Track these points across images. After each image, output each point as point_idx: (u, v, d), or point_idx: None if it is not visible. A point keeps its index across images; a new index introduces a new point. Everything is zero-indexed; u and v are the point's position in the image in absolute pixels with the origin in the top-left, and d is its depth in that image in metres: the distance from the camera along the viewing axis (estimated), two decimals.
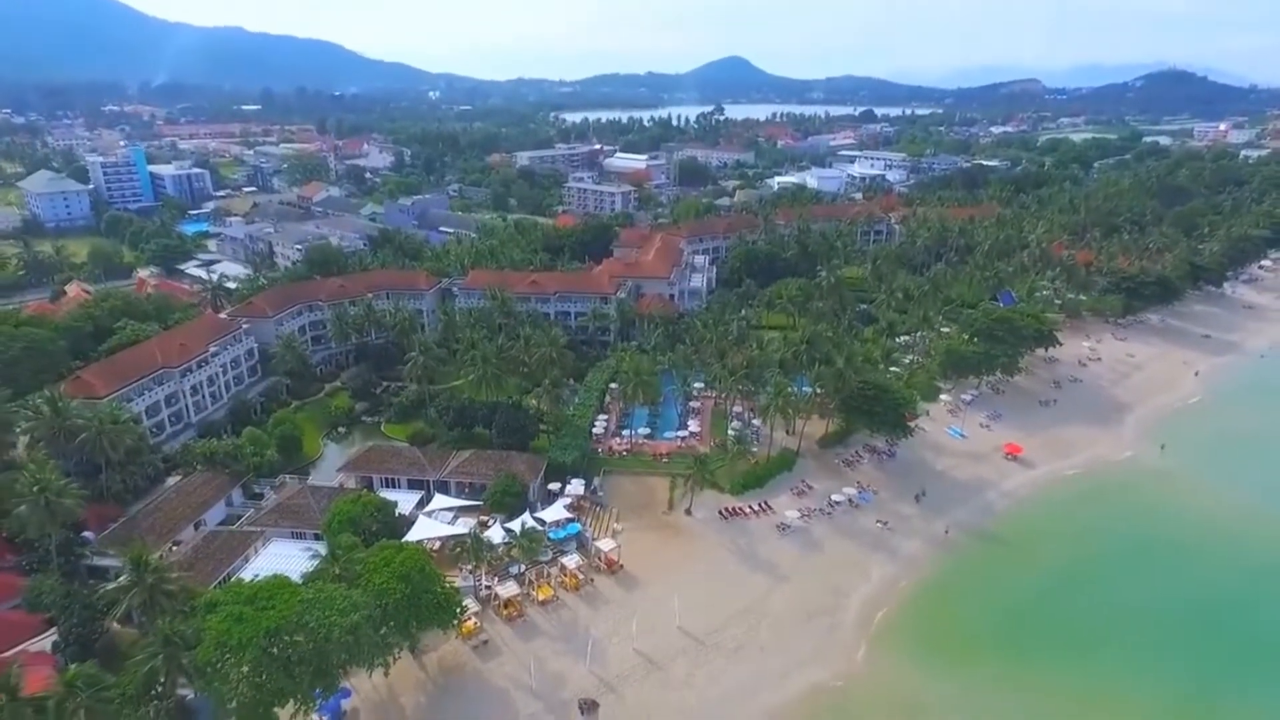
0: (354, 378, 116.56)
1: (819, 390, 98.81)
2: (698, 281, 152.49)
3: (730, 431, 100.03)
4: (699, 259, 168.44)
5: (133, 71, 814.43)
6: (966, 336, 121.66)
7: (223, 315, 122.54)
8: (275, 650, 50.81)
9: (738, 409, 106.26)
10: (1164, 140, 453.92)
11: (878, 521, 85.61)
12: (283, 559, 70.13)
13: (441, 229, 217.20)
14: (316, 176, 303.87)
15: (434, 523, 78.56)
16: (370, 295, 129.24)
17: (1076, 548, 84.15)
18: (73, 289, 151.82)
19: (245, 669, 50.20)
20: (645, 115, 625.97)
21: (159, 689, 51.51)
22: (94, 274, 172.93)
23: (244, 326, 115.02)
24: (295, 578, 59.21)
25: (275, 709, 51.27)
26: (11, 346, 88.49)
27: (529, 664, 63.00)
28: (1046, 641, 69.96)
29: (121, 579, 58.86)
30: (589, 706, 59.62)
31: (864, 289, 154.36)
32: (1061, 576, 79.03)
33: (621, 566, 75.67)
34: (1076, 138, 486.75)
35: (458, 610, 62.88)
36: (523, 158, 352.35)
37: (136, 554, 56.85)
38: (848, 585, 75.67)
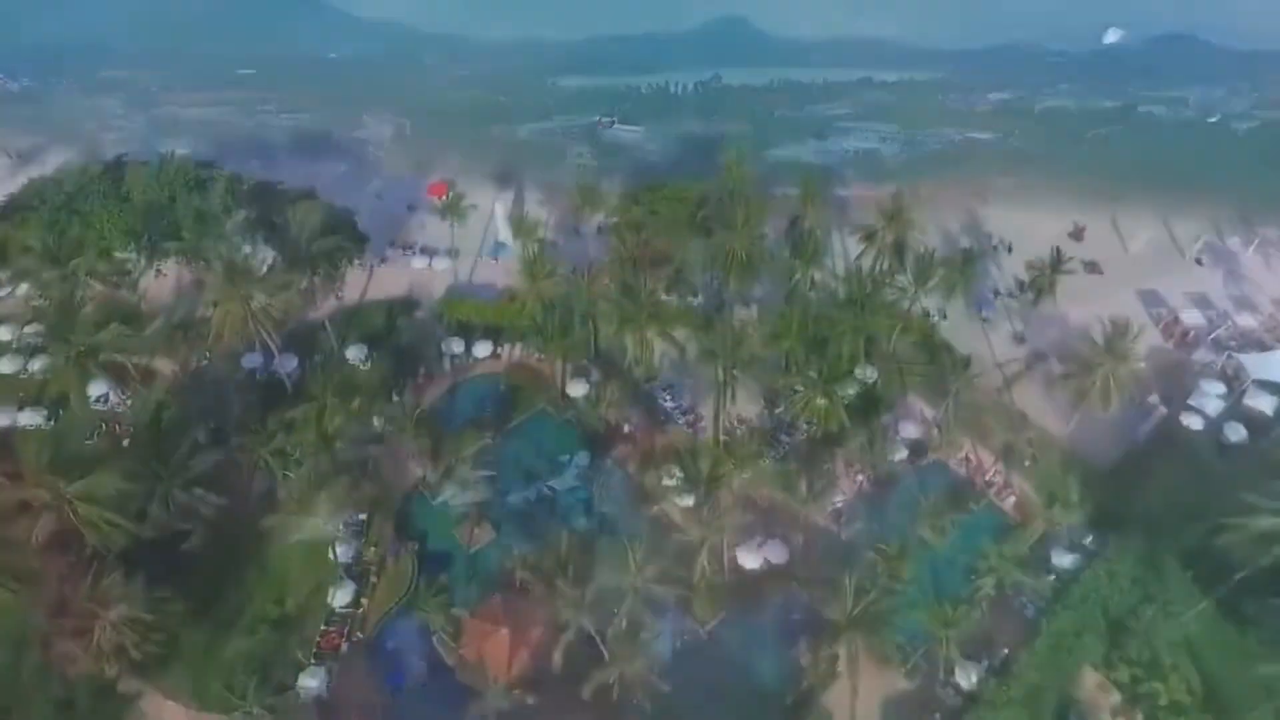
0: None
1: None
2: None
3: None
4: None
5: (118, 30, 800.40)
6: None
7: None
8: None
9: None
10: (1158, 110, 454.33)
11: None
12: None
13: None
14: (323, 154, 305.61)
15: None
16: None
17: None
18: None
19: None
20: (643, 82, 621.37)
21: None
22: None
23: None
24: None
25: None
26: None
27: None
28: None
29: None
30: None
31: None
32: None
33: None
34: (1073, 105, 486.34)
35: None
36: (522, 131, 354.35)
37: None
38: None
